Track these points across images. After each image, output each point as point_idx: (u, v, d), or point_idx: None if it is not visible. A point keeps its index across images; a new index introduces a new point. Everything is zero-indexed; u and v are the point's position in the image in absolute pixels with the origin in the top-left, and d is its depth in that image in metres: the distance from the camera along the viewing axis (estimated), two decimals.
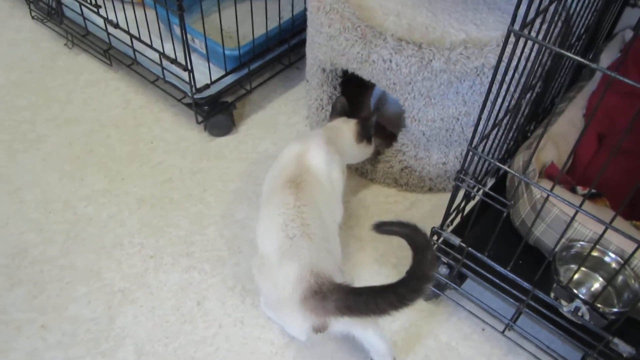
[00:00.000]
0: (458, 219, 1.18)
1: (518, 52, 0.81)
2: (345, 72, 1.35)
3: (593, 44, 1.46)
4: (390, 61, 1.17)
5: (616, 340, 0.91)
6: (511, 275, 1.00)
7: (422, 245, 0.88)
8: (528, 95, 1.18)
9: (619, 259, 0.98)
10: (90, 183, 1.42)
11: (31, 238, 1.29)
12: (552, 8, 0.80)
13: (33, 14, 1.90)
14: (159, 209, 1.37)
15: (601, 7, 1.29)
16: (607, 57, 1.40)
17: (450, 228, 1.12)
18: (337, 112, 1.33)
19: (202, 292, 1.21)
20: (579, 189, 1.13)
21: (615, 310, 0.94)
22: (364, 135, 1.28)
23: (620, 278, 0.99)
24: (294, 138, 1.24)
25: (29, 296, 1.18)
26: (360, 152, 1.31)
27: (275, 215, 1.02)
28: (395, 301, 0.86)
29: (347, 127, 1.27)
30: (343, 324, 0.94)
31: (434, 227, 1.07)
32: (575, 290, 0.98)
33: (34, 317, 1.15)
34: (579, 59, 0.71)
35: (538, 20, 0.84)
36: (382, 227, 0.92)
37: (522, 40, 0.77)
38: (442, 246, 1.10)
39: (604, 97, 1.33)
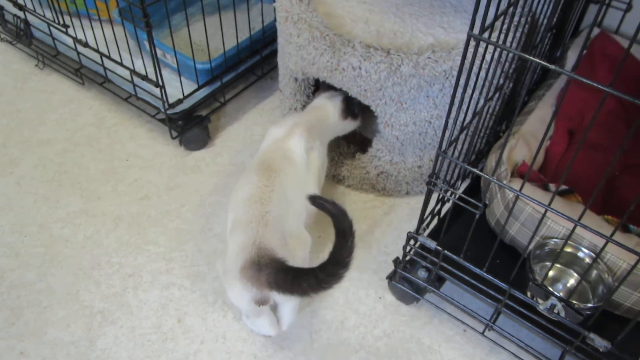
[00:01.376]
0: (435, 222, 1.19)
1: (480, 56, 0.81)
2: (317, 81, 1.36)
3: (560, 41, 1.49)
4: (360, 68, 1.18)
5: (592, 335, 0.92)
6: (487, 276, 1.01)
7: (345, 232, 0.89)
8: (496, 96, 1.19)
9: (592, 254, 0.99)
10: (65, 204, 1.40)
11: (7, 263, 1.27)
12: (511, 10, 0.82)
13: (2, 36, 1.88)
14: (137, 227, 1.36)
15: (565, 4, 1.31)
16: (574, 54, 1.42)
17: (427, 232, 1.13)
18: (326, 85, 1.34)
19: (183, 308, 1.20)
20: (552, 186, 1.15)
21: (590, 305, 0.95)
22: (348, 112, 1.32)
23: (594, 273, 1.00)
24: (277, 122, 1.26)
25: (6, 323, 1.17)
26: (346, 126, 1.35)
27: (241, 189, 1.08)
28: (315, 284, 0.89)
29: (332, 105, 1.30)
30: (279, 297, 0.97)
31: (409, 232, 1.08)
32: (551, 287, 0.99)
33: (12, 344, 1.13)
34: (539, 61, 0.72)
35: (500, 22, 0.86)
36: (316, 200, 0.93)
37: (483, 44, 0.78)
38: (419, 250, 1.10)
39: (573, 94, 1.35)
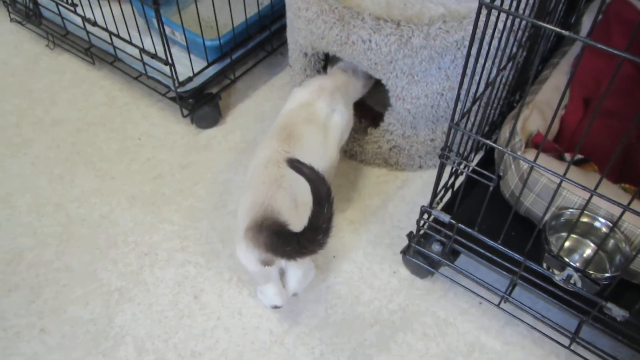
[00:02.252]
0: (449, 195, 1.18)
1: (492, 24, 0.80)
2: (327, 55, 1.34)
3: (574, 6, 1.45)
4: (370, 41, 1.16)
5: (609, 304, 0.92)
6: (502, 248, 1.00)
7: (322, 198, 0.89)
8: (509, 66, 1.16)
9: (609, 223, 0.98)
10: (80, 184, 1.41)
11: (25, 242, 1.29)
12: None
13: (12, 16, 1.88)
14: (151, 206, 1.37)
15: None
16: (589, 19, 1.38)
17: (440, 205, 1.12)
18: (336, 59, 1.34)
19: (199, 285, 1.22)
20: (567, 155, 1.13)
21: (607, 275, 0.94)
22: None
23: (611, 242, 0.99)
24: (302, 83, 1.27)
25: (26, 301, 1.19)
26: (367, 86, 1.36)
27: (260, 152, 1.10)
28: (297, 249, 0.91)
29: (352, 69, 1.31)
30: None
31: (423, 206, 1.07)
32: (567, 258, 0.98)
33: (32, 321, 1.16)
34: (552, 27, 0.70)
35: None
36: (294, 163, 0.90)
37: (495, 12, 0.76)
38: (433, 224, 1.10)
39: (589, 61, 1.32)
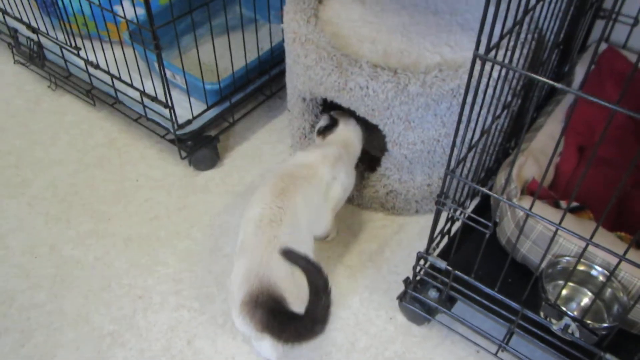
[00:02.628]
0: (445, 241, 1.18)
1: (487, 74, 0.81)
2: (325, 100, 1.36)
3: (567, 56, 1.48)
4: (367, 88, 1.18)
5: (608, 355, 0.90)
6: (499, 296, 1.00)
7: (319, 289, 0.89)
8: (504, 114, 1.18)
9: (606, 272, 0.98)
10: (76, 225, 1.41)
11: (18, 284, 1.28)
12: (516, 29, 0.81)
13: (16, 58, 1.92)
14: (147, 248, 1.36)
15: (572, 20, 1.31)
16: (582, 69, 1.41)
17: (437, 251, 1.12)
18: (331, 127, 1.35)
19: (192, 330, 1.20)
20: (563, 203, 1.13)
21: (605, 325, 0.93)
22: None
23: (608, 291, 0.98)
24: (306, 148, 1.30)
25: (17, 345, 1.17)
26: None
27: (253, 207, 1.08)
28: (295, 335, 0.91)
29: (354, 133, 1.34)
30: None
31: (419, 252, 1.07)
32: (564, 307, 0.97)
33: None
34: (545, 80, 0.72)
35: (506, 40, 0.86)
36: (290, 255, 0.92)
37: (490, 63, 0.78)
38: (429, 270, 1.09)
39: (582, 109, 1.35)
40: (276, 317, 0.92)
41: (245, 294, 0.95)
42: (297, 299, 0.97)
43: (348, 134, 1.33)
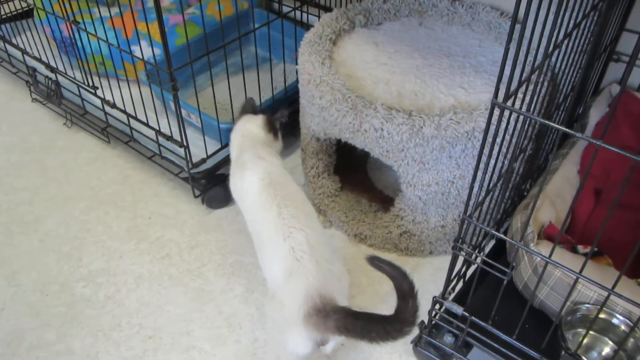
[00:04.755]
0: (461, 284, 1.16)
1: (504, 120, 0.81)
2: (339, 141, 1.37)
3: (582, 98, 1.49)
4: (382, 130, 1.18)
5: None
6: (517, 344, 0.97)
7: (406, 293, 0.93)
8: (520, 158, 1.18)
9: (628, 321, 0.95)
10: (87, 263, 1.41)
11: (27, 323, 1.27)
12: (534, 77, 0.82)
13: (33, 96, 1.95)
14: (157, 287, 1.35)
15: (586, 63, 1.31)
16: (596, 111, 1.41)
17: (452, 295, 1.10)
18: (246, 111, 1.40)
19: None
20: (580, 247, 1.12)
21: None
22: (269, 126, 1.36)
23: (631, 341, 0.96)
24: (241, 167, 1.25)
25: None
26: (270, 143, 1.36)
27: (281, 240, 1.07)
28: (383, 334, 0.93)
29: (254, 124, 1.35)
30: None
31: (435, 297, 1.05)
32: (585, 356, 0.95)
33: None
34: (562, 128, 0.71)
35: (523, 88, 0.86)
36: (374, 261, 0.97)
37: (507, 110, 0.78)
38: (445, 315, 1.07)
39: (598, 152, 1.34)
40: (358, 318, 0.95)
41: (310, 307, 0.97)
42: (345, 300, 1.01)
43: (249, 129, 1.35)
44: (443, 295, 1.05)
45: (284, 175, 1.21)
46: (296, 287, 1.00)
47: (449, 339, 1.11)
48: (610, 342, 1.00)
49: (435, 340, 1.11)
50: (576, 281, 0.85)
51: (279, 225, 1.09)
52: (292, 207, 1.11)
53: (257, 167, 1.20)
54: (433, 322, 1.11)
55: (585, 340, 1.00)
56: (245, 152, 1.26)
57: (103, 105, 1.60)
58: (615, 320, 0.97)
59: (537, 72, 0.82)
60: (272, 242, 1.09)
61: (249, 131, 1.35)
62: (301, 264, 1.02)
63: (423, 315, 1.16)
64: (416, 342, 1.16)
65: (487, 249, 1.25)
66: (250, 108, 1.42)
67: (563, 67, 1.13)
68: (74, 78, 1.65)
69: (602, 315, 0.98)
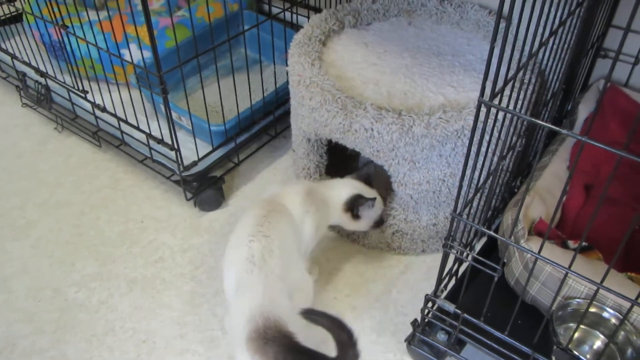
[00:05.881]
0: (453, 281, 1.17)
1: (492, 118, 0.82)
2: (330, 141, 1.37)
3: (570, 95, 1.50)
4: (372, 130, 1.19)
5: None
6: (509, 340, 0.98)
7: (345, 343, 0.89)
8: (509, 155, 1.19)
9: (618, 314, 0.96)
10: (80, 268, 1.40)
11: (20, 329, 1.27)
12: (520, 75, 0.82)
13: (23, 100, 1.94)
14: (151, 290, 1.35)
15: (574, 60, 1.32)
16: (585, 108, 1.42)
17: (445, 293, 1.10)
18: (360, 178, 1.33)
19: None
20: (571, 243, 1.12)
21: None
22: (349, 207, 1.26)
23: (621, 334, 0.96)
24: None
25: None
26: (346, 222, 1.29)
27: (239, 244, 1.06)
28: None
29: (338, 192, 1.27)
30: None
31: (427, 295, 1.06)
32: (577, 350, 0.96)
33: None
34: (550, 126, 0.72)
35: (510, 84, 0.86)
36: (310, 315, 0.93)
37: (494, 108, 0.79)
38: (438, 313, 1.08)
39: (588, 148, 1.35)
40: (298, 353, 0.91)
41: (251, 330, 0.94)
42: (301, 332, 0.95)
43: (334, 188, 1.29)
44: (435, 293, 1.05)
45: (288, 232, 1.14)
46: (242, 304, 0.98)
47: (442, 336, 1.11)
48: (601, 336, 1.00)
49: (428, 338, 1.12)
50: (566, 276, 0.85)
51: (249, 227, 1.08)
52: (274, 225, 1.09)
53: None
54: (426, 320, 1.12)
55: (576, 335, 1.01)
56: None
57: (93, 109, 1.60)
58: (605, 314, 0.98)
59: (523, 70, 0.83)
60: (234, 246, 1.09)
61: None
62: (250, 279, 1.00)
63: (416, 312, 1.17)
64: (410, 341, 1.17)
65: (478, 247, 1.26)
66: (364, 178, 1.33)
67: (550, 64, 1.14)
68: (64, 82, 1.64)
69: (592, 310, 0.98)
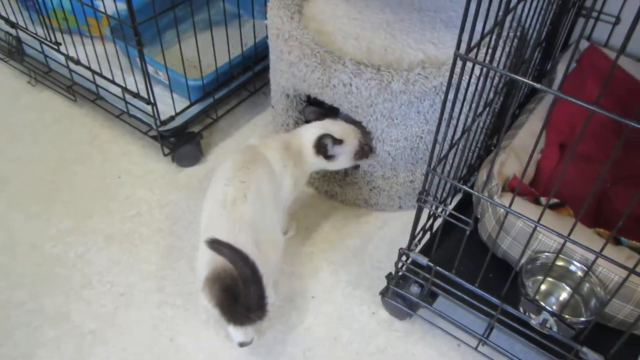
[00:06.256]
0: (427, 237, 1.19)
1: (468, 73, 0.82)
2: (309, 97, 1.36)
3: (550, 54, 1.50)
4: (351, 85, 1.18)
5: (585, 349, 0.92)
6: (479, 292, 1.01)
7: (247, 279, 0.91)
8: (486, 112, 1.19)
9: (584, 267, 0.99)
10: (56, 223, 1.40)
11: None
12: (497, 30, 0.82)
13: None
14: (128, 245, 1.35)
15: (554, 18, 1.32)
16: (564, 67, 1.43)
17: (419, 247, 1.12)
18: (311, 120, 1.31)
19: (175, 327, 1.19)
20: (543, 199, 1.15)
21: (582, 319, 0.95)
22: (318, 149, 1.23)
23: (586, 286, 1.00)
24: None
25: None
26: (325, 164, 1.27)
27: (216, 185, 1.08)
28: (234, 319, 0.95)
29: (307, 138, 1.24)
30: None
31: (401, 248, 1.08)
32: (544, 302, 0.99)
33: None
34: (525, 80, 0.72)
35: (488, 38, 0.86)
36: (214, 244, 0.93)
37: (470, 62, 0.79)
38: (411, 266, 1.10)
39: (563, 107, 1.36)
40: (227, 296, 0.94)
41: (210, 271, 0.97)
42: (267, 274, 0.97)
43: (302, 135, 1.25)
44: (409, 247, 1.07)
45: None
46: (205, 247, 0.99)
47: (415, 289, 1.14)
48: (568, 288, 1.04)
49: (402, 291, 1.15)
50: (535, 230, 0.87)
51: (227, 172, 1.09)
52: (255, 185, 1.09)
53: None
54: (400, 273, 1.14)
55: (543, 287, 1.04)
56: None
57: (67, 62, 1.56)
58: (572, 267, 1.01)
59: (501, 25, 0.82)
60: (211, 188, 1.11)
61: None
62: (218, 222, 1.02)
63: (391, 267, 1.19)
64: (384, 293, 1.20)
65: (454, 204, 1.28)
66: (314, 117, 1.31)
67: (530, 21, 1.14)
68: (36, 34, 1.59)
69: (560, 263, 1.01)
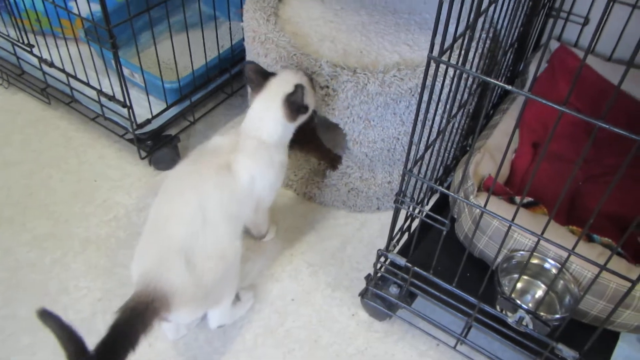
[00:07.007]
0: (405, 237, 1.20)
1: (442, 75, 0.83)
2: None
3: (522, 54, 1.52)
4: (327, 87, 1.19)
5: (560, 345, 0.94)
6: (456, 291, 1.02)
7: (73, 355, 0.83)
8: (461, 113, 1.21)
9: (558, 265, 1.01)
10: (31, 228, 1.37)
11: None
12: (469, 33, 0.83)
13: None
14: (105, 249, 1.33)
15: (526, 19, 1.34)
16: (535, 67, 1.45)
17: (397, 249, 1.13)
18: (256, 82, 1.16)
19: (153, 332, 1.17)
20: (518, 199, 1.17)
21: (557, 316, 0.96)
22: (293, 111, 1.13)
23: (560, 283, 1.02)
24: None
25: None
26: (297, 122, 1.17)
27: (158, 203, 1.04)
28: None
29: (274, 109, 1.13)
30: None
31: (379, 250, 1.08)
32: (520, 299, 1.00)
33: None
34: (497, 82, 0.74)
35: (461, 41, 0.87)
36: (43, 316, 0.84)
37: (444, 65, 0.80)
38: (390, 267, 1.11)
39: (536, 107, 1.38)
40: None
41: (138, 292, 0.95)
42: (193, 300, 0.98)
43: (265, 117, 1.15)
44: (387, 248, 1.08)
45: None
46: (135, 264, 1.00)
47: (394, 290, 1.15)
48: (543, 286, 1.06)
49: (381, 292, 1.15)
50: (509, 228, 0.89)
51: (170, 184, 1.06)
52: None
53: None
54: (379, 274, 1.15)
55: (519, 285, 1.06)
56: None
57: (40, 65, 1.53)
58: (547, 265, 1.03)
59: (473, 27, 0.83)
60: (158, 200, 1.05)
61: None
62: (146, 239, 1.01)
63: (370, 268, 1.20)
64: (363, 294, 1.20)
65: (431, 204, 1.29)
66: (258, 76, 1.17)
67: (502, 22, 1.16)
68: (8, 35, 1.57)
69: (535, 261, 1.03)
